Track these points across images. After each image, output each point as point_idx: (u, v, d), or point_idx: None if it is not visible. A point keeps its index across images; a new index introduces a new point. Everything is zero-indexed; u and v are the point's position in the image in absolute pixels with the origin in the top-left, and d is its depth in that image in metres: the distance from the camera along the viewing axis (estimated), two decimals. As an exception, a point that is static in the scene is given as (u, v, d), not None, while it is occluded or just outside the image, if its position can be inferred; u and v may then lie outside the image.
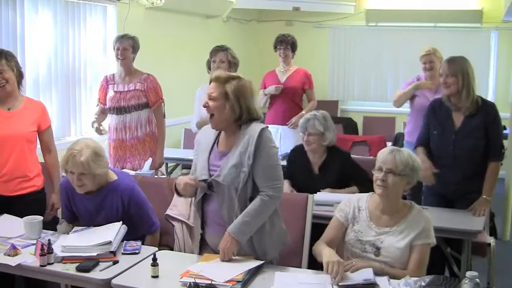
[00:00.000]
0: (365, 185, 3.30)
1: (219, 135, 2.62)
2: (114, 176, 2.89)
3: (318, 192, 3.44)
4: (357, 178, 3.58)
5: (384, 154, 2.55)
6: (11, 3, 4.28)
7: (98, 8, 5.19)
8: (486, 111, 3.35)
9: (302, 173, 3.71)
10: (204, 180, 2.53)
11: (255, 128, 2.51)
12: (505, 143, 5.46)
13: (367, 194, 2.67)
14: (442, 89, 3.39)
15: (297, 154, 3.78)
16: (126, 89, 4.20)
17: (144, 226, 2.88)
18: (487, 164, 3.35)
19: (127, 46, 4.20)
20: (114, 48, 4.24)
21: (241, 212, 2.47)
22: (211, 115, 2.52)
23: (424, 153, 3.46)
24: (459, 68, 3.31)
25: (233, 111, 2.49)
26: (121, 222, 2.73)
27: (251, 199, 2.49)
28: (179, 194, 2.58)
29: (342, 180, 3.59)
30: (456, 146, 3.33)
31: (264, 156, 2.48)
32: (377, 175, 2.53)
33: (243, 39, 7.46)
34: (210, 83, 2.57)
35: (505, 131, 6.04)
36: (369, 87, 7.88)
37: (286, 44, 5.04)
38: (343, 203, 2.69)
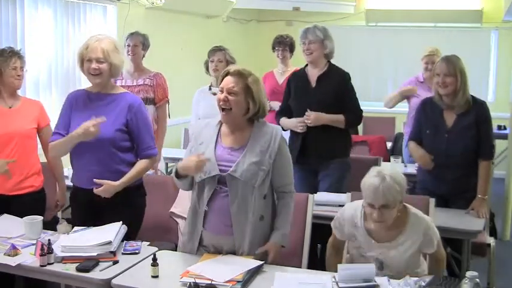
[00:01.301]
0: (354, 113, 3.66)
1: (219, 130, 2.59)
2: (124, 90, 3.00)
3: (311, 110, 3.59)
4: (350, 104, 3.66)
5: (370, 190, 2.45)
6: (11, 3, 4.29)
7: (98, 7, 5.20)
8: (477, 109, 3.37)
9: (298, 89, 3.76)
10: (215, 176, 2.50)
11: (274, 128, 2.58)
12: (505, 143, 5.52)
13: (360, 209, 2.59)
14: (438, 89, 3.37)
15: (297, 77, 3.86)
16: (134, 83, 4.27)
17: (143, 144, 2.89)
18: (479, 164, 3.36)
19: (137, 43, 4.32)
20: (125, 46, 4.32)
21: (253, 210, 2.47)
22: (227, 109, 2.48)
23: (416, 145, 3.48)
24: (457, 68, 3.32)
25: (254, 105, 2.50)
26: (121, 222, 2.73)
27: (265, 196, 2.52)
28: (179, 176, 2.52)
29: (337, 100, 3.63)
30: (449, 144, 3.33)
31: (286, 155, 2.58)
32: (371, 212, 2.48)
33: (243, 39, 7.46)
34: (224, 76, 2.53)
35: (505, 131, 6.07)
36: (369, 87, 7.87)
37: (285, 46, 5.03)
38: (338, 218, 2.68)
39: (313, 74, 3.75)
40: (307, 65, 3.85)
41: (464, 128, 3.32)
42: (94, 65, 2.80)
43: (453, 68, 3.31)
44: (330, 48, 3.73)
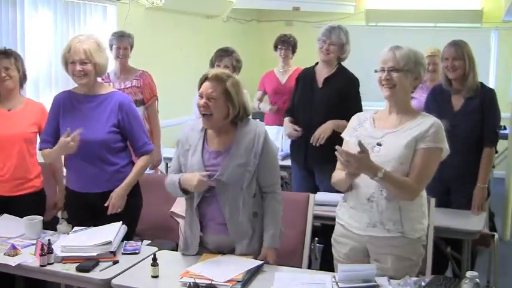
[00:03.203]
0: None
1: (205, 134, 2.58)
2: (112, 89, 3.01)
3: (315, 110, 3.55)
4: (352, 108, 3.53)
5: (383, 53, 2.43)
6: (11, 3, 4.28)
7: (98, 8, 5.19)
8: (485, 94, 3.41)
9: (305, 88, 3.75)
10: None
11: (258, 126, 2.54)
12: (505, 143, 5.51)
13: (373, 110, 2.59)
14: (446, 73, 3.40)
15: (305, 76, 3.84)
16: (122, 87, 4.22)
17: (139, 142, 2.91)
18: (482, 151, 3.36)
19: (127, 45, 4.27)
20: (111, 47, 4.25)
21: (245, 209, 2.47)
22: (208, 115, 2.47)
23: None
24: (465, 51, 3.38)
25: (234, 108, 2.48)
26: (121, 222, 2.73)
27: (254, 195, 2.51)
28: (185, 192, 2.52)
29: (342, 100, 3.61)
30: (454, 127, 3.33)
31: (271, 155, 2.55)
32: (380, 75, 2.42)
33: (243, 39, 7.46)
34: (203, 81, 2.51)
35: (505, 131, 6.06)
36: (369, 87, 7.83)
37: (288, 45, 5.05)
38: (349, 124, 2.61)
39: (322, 74, 3.73)
40: (317, 63, 3.83)
41: (470, 111, 3.36)
42: (78, 67, 2.78)
43: (461, 52, 3.37)
44: (347, 53, 3.74)
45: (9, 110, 3.15)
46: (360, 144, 2.26)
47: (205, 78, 2.51)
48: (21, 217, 2.84)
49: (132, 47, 4.32)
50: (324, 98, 3.63)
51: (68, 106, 2.90)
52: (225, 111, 2.48)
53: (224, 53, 4.16)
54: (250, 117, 2.61)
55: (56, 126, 2.91)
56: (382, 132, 2.42)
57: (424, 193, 2.45)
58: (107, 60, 2.92)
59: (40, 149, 2.98)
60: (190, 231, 2.60)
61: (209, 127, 2.55)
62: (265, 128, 2.58)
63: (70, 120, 2.87)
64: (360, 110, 3.66)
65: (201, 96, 2.50)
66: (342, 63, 3.82)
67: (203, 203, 2.54)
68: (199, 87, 2.52)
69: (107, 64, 2.94)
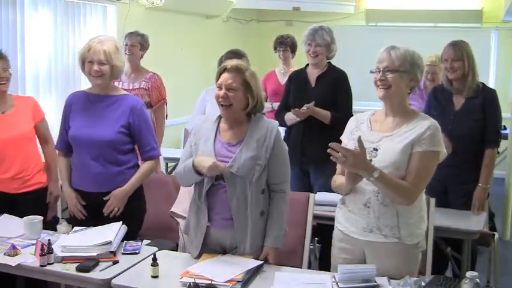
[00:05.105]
0: (342, 113, 3.47)
1: (218, 125, 2.59)
2: (125, 92, 3.01)
3: None
4: (339, 101, 3.65)
5: (379, 53, 2.38)
6: (11, 3, 4.29)
7: (98, 8, 5.20)
8: (486, 94, 3.42)
9: (298, 89, 3.77)
10: None
11: (271, 123, 2.57)
12: (505, 143, 5.52)
13: (371, 111, 2.55)
14: (447, 74, 3.42)
15: (297, 77, 3.86)
16: (131, 87, 4.22)
17: (146, 146, 2.91)
18: (483, 152, 3.36)
19: (135, 43, 4.28)
20: (123, 45, 4.29)
21: (252, 205, 2.46)
22: (227, 105, 2.48)
23: None
24: (465, 52, 3.39)
25: (253, 99, 2.50)
26: (121, 222, 2.72)
27: (263, 191, 2.51)
28: (199, 174, 2.47)
29: (334, 97, 3.66)
30: (455, 126, 3.34)
31: (281, 151, 2.55)
32: (375, 76, 2.37)
33: (243, 39, 7.46)
34: (221, 73, 2.51)
35: (505, 131, 6.06)
36: (369, 87, 7.76)
37: (286, 46, 5.03)
38: (347, 126, 2.58)
39: (313, 74, 3.77)
40: (307, 64, 3.85)
41: (470, 111, 3.36)
42: (96, 67, 2.79)
43: (460, 52, 3.37)
44: (334, 51, 3.78)
45: (3, 113, 3.14)
46: (359, 141, 2.25)
47: (224, 70, 2.52)
48: (28, 214, 2.83)
49: (143, 46, 4.34)
50: (318, 97, 3.65)
51: (79, 104, 2.91)
52: (244, 102, 2.50)
53: (234, 56, 4.06)
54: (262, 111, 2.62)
55: (68, 127, 2.93)
56: (379, 136, 2.40)
57: (423, 197, 2.42)
58: (123, 64, 2.93)
59: (55, 148, 3.05)
60: (196, 221, 2.55)
61: (227, 117, 2.55)
62: (278, 125, 2.59)
63: (80, 118, 2.88)
64: (347, 105, 3.70)
65: (220, 87, 2.50)
66: (337, 62, 3.85)
67: (211, 194, 2.51)
68: (217, 79, 2.53)
69: (124, 67, 2.96)
